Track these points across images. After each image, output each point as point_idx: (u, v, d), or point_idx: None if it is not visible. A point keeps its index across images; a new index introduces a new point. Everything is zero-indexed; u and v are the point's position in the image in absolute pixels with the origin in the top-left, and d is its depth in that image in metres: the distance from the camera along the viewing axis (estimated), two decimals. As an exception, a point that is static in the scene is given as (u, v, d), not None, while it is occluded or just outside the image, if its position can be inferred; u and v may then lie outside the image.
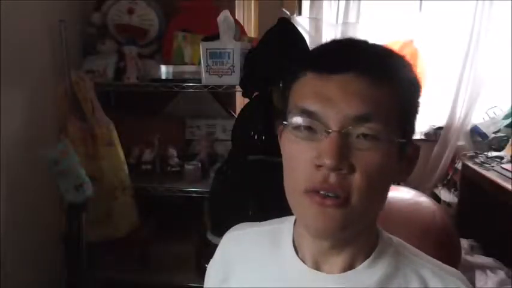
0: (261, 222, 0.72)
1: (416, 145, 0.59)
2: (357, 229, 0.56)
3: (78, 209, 1.71)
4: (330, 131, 0.51)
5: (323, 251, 0.59)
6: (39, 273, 1.83)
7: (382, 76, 0.53)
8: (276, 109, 1.68)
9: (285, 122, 0.57)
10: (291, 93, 0.58)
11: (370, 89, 0.52)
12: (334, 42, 0.59)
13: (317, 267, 0.60)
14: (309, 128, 0.53)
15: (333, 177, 0.51)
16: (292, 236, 0.64)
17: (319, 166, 0.52)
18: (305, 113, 0.53)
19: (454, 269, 0.63)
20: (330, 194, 0.52)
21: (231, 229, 0.73)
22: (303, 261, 0.61)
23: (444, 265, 0.63)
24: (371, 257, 0.59)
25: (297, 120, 0.54)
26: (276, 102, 1.68)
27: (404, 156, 0.56)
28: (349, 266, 0.59)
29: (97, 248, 1.99)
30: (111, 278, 1.99)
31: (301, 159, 0.54)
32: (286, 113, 0.58)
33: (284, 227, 0.66)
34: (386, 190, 0.57)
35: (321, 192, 0.52)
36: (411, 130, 0.58)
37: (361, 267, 0.59)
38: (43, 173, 1.68)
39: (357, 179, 0.52)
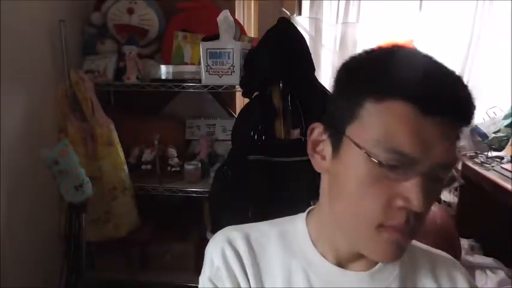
0: (251, 224, 0.69)
1: None
2: None
3: (78, 209, 1.71)
4: (420, 173, 0.50)
5: (353, 254, 0.61)
6: (39, 273, 1.83)
7: (466, 123, 0.53)
8: (276, 109, 1.68)
9: (367, 152, 0.51)
10: (369, 112, 0.52)
11: (457, 135, 0.52)
12: (430, 68, 0.54)
13: (340, 266, 0.63)
14: (395, 166, 0.50)
15: (413, 219, 0.52)
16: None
17: (402, 207, 0.51)
18: (398, 153, 0.50)
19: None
20: (406, 233, 0.53)
21: (222, 233, 0.67)
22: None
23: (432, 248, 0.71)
24: None
25: (387, 159, 0.50)
26: (276, 102, 1.68)
27: None
28: (373, 264, 0.63)
29: (97, 248, 1.99)
30: (111, 278, 1.99)
31: (380, 194, 0.52)
32: (348, 123, 0.54)
33: (296, 229, 0.66)
34: None
35: (399, 231, 0.53)
36: None
37: (382, 264, 0.63)
38: (43, 173, 1.67)
39: (424, 216, 0.54)
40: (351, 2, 2.36)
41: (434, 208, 1.46)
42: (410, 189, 0.50)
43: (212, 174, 1.89)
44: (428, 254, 0.69)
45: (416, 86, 0.50)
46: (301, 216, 0.67)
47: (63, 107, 1.86)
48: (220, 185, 1.75)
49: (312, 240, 0.64)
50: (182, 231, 2.12)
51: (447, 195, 2.41)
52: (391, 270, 0.63)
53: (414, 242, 0.68)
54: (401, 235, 0.53)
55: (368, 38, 2.38)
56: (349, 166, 0.54)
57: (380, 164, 0.50)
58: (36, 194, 1.79)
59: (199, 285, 0.66)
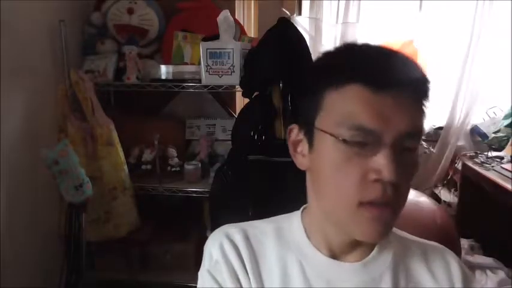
0: (248, 222, 0.71)
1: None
2: None
3: (78, 209, 1.71)
4: (386, 145, 0.54)
5: (345, 245, 0.64)
6: (39, 273, 1.83)
7: (424, 94, 0.58)
8: (276, 109, 1.68)
9: (334, 130, 0.56)
10: (331, 100, 0.58)
11: (417, 105, 0.58)
12: (380, 54, 0.59)
13: (335, 258, 0.65)
14: (361, 143, 0.55)
15: (389, 190, 0.55)
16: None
17: (376, 180, 0.55)
18: (361, 130, 0.55)
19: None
20: (387, 206, 0.56)
21: (220, 230, 0.69)
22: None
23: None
24: (380, 242, 0.65)
25: (351, 134, 0.55)
26: (276, 102, 1.68)
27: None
28: (367, 255, 0.65)
29: (97, 248, 1.99)
30: (111, 278, 1.99)
31: (353, 173, 0.55)
32: (315, 116, 0.59)
33: (292, 225, 0.68)
34: None
35: (377, 203, 0.55)
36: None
37: (375, 253, 0.65)
38: (43, 173, 1.68)
39: (403, 189, 0.57)
40: (351, 2, 2.36)
41: (435, 207, 1.46)
42: (380, 161, 0.54)
43: (212, 174, 1.89)
44: (419, 243, 0.71)
45: (366, 69, 0.56)
46: (297, 213, 0.71)
47: (63, 107, 1.86)
48: (220, 185, 1.75)
49: (306, 235, 0.66)
50: (182, 231, 2.12)
51: (447, 195, 2.41)
52: (384, 259, 0.65)
53: (405, 235, 0.71)
54: (381, 211, 0.56)
55: (368, 38, 2.38)
56: (323, 154, 0.59)
57: (345, 141, 0.55)
58: (36, 194, 1.79)
59: (199, 279, 0.67)
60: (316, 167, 0.61)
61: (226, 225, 0.70)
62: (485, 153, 2.25)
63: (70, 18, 1.94)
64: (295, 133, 0.65)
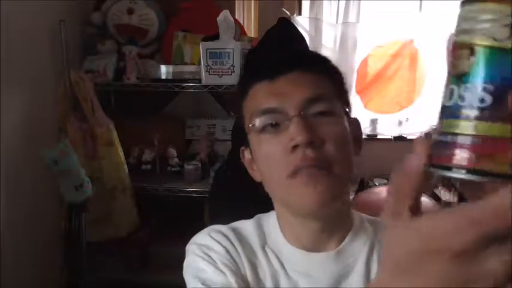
0: (230, 224, 0.73)
1: (355, 118, 0.68)
2: (341, 201, 0.63)
3: (78, 209, 1.71)
4: (292, 115, 0.59)
5: (314, 236, 0.64)
6: (39, 273, 1.83)
7: (318, 69, 0.65)
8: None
9: (250, 125, 0.63)
10: (246, 110, 0.66)
11: (313, 79, 0.63)
12: (268, 49, 0.68)
13: (309, 250, 0.65)
14: (273, 125, 0.61)
15: (310, 151, 0.58)
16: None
17: (294, 147, 0.58)
18: (266, 112, 0.61)
19: None
20: (314, 168, 0.58)
21: (204, 229, 0.73)
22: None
23: None
24: (353, 229, 0.66)
25: (262, 120, 0.61)
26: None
27: (352, 129, 0.64)
28: (341, 243, 0.65)
29: (97, 248, 1.99)
30: (111, 278, 1.99)
31: (277, 152, 0.60)
32: (247, 128, 0.65)
33: (269, 222, 0.71)
34: (353, 160, 0.64)
35: (303, 168, 0.57)
36: (350, 107, 0.67)
37: (348, 240, 0.65)
38: (43, 173, 1.68)
39: (329, 149, 0.59)
40: (351, 2, 2.36)
41: (434, 207, 1.46)
42: (291, 129, 0.59)
43: (212, 174, 1.89)
44: None
45: (259, 70, 0.67)
46: (274, 210, 0.72)
47: (63, 107, 1.86)
48: (220, 185, 1.75)
49: (281, 230, 0.68)
50: (182, 231, 2.12)
51: (447, 195, 2.41)
52: (358, 245, 0.66)
53: (380, 219, 0.71)
54: (309, 175, 0.58)
55: (368, 38, 2.38)
56: (256, 154, 0.65)
57: (262, 129, 0.62)
58: (36, 194, 1.79)
59: (184, 268, 0.68)
60: (259, 169, 0.65)
61: (216, 226, 0.73)
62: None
63: (70, 18, 1.94)
64: (246, 154, 0.70)
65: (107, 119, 1.89)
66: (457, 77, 0.28)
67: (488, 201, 0.25)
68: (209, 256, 0.65)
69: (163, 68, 1.94)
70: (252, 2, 2.45)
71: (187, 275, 0.66)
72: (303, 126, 0.58)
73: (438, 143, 0.29)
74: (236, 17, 2.06)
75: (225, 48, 1.78)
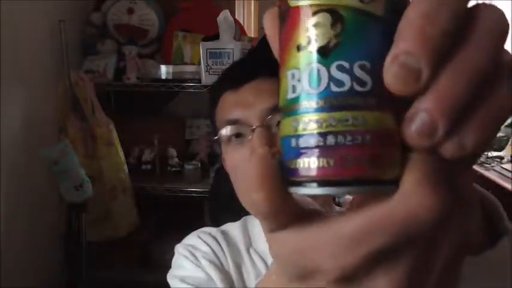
0: (221, 227, 0.76)
1: None
2: None
3: (78, 209, 1.71)
4: (254, 127, 0.59)
5: None
6: (39, 273, 1.83)
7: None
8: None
9: (216, 137, 0.64)
10: (216, 119, 0.66)
11: (276, 85, 0.59)
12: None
13: None
14: (238, 135, 0.61)
15: None
16: None
17: None
18: (230, 123, 0.61)
19: None
20: None
21: (199, 231, 0.75)
22: None
23: None
24: None
25: (226, 131, 0.61)
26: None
27: None
28: None
29: (97, 248, 1.99)
30: (111, 278, 1.99)
31: (240, 163, 0.61)
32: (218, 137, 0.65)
33: (254, 223, 0.72)
34: None
35: None
36: None
37: None
38: (43, 173, 1.67)
39: None
40: (351, 2, 2.36)
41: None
42: (253, 140, 0.58)
43: (212, 174, 1.89)
44: None
45: (227, 77, 0.69)
46: None
47: (63, 107, 1.86)
48: (220, 185, 1.75)
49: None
50: (182, 231, 2.12)
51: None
52: None
53: None
54: None
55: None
56: (226, 164, 0.66)
57: (228, 140, 0.62)
58: (36, 194, 1.79)
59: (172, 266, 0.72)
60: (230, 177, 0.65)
61: (204, 228, 0.76)
62: (485, 153, 2.25)
63: (70, 18, 1.94)
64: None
65: (107, 119, 1.89)
66: (322, 53, 0.20)
67: (367, 213, 0.19)
68: (193, 255, 0.67)
69: (163, 68, 1.94)
70: (252, 2, 2.45)
71: (169, 274, 0.68)
72: (263, 138, 0.57)
73: (294, 152, 0.21)
74: (236, 17, 2.06)
75: (225, 48, 1.78)
